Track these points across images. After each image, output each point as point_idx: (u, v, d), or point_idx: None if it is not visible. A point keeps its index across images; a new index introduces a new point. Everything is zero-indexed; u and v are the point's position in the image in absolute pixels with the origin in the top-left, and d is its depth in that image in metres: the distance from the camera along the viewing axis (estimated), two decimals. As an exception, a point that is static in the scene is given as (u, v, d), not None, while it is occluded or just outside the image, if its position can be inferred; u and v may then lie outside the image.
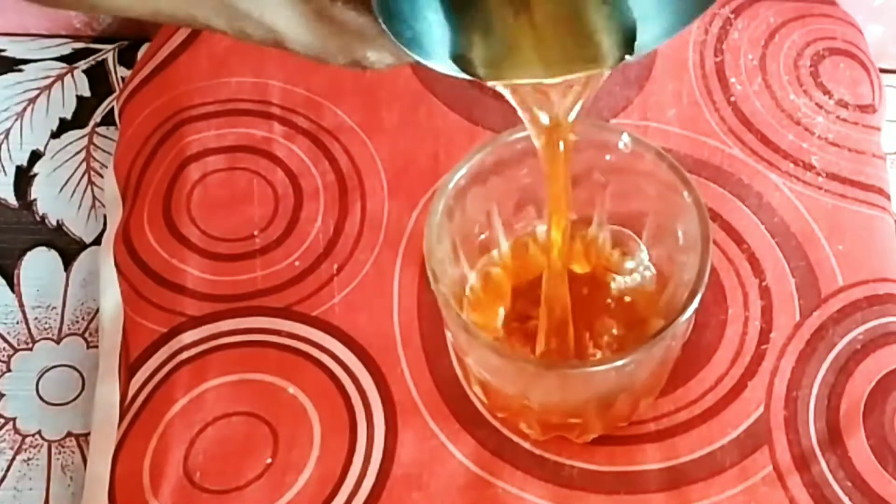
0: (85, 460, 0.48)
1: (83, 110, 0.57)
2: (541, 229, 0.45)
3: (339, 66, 0.33)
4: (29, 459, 0.48)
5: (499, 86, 0.35)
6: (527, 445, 0.44)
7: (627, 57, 0.34)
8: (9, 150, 0.56)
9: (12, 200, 0.55)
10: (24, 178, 0.55)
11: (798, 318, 0.46)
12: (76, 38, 0.60)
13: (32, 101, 0.57)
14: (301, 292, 0.47)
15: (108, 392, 0.47)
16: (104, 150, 0.56)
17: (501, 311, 0.45)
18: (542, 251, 0.45)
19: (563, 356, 0.42)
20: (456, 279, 0.43)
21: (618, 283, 0.45)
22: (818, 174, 0.50)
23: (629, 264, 0.45)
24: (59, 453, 0.48)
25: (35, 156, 0.56)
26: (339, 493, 0.43)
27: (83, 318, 0.51)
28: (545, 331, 0.42)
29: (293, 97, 0.52)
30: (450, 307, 0.38)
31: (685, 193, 0.40)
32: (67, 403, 0.49)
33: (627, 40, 0.34)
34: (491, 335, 0.42)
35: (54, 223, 0.54)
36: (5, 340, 0.51)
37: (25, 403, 0.49)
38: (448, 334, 0.44)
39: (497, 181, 0.42)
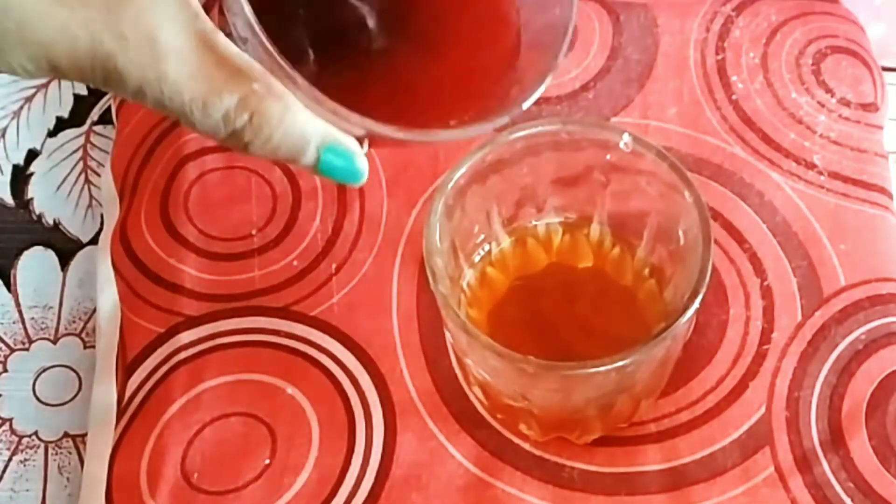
0: (82, 461, 0.47)
1: (80, 109, 0.57)
2: (541, 226, 0.45)
3: (204, 129, 0.31)
4: (25, 460, 0.48)
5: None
6: (527, 446, 0.43)
7: None
8: (5, 148, 0.56)
9: (9, 199, 0.54)
10: (20, 176, 0.55)
11: (800, 318, 0.46)
12: (73, 35, 0.59)
13: (29, 99, 0.57)
14: (299, 292, 0.47)
15: (104, 393, 0.46)
16: (101, 149, 0.56)
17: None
18: (541, 248, 0.45)
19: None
20: (455, 278, 0.43)
21: (619, 280, 0.44)
22: (820, 173, 0.49)
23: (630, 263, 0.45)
24: (56, 454, 0.48)
25: (32, 154, 0.56)
26: (337, 494, 0.43)
27: (80, 318, 0.51)
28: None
29: (291, 95, 0.52)
30: (449, 308, 0.38)
31: (686, 193, 0.40)
32: (64, 404, 0.49)
33: None
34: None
35: (51, 222, 0.54)
36: (2, 340, 0.51)
37: (22, 404, 0.49)
38: (447, 335, 0.44)
39: (496, 180, 0.42)
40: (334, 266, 0.47)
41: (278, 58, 0.30)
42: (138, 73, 0.29)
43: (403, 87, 0.36)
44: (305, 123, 0.31)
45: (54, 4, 0.29)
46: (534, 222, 0.45)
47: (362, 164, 0.33)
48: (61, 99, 0.57)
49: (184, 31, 0.30)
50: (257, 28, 0.30)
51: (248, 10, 0.30)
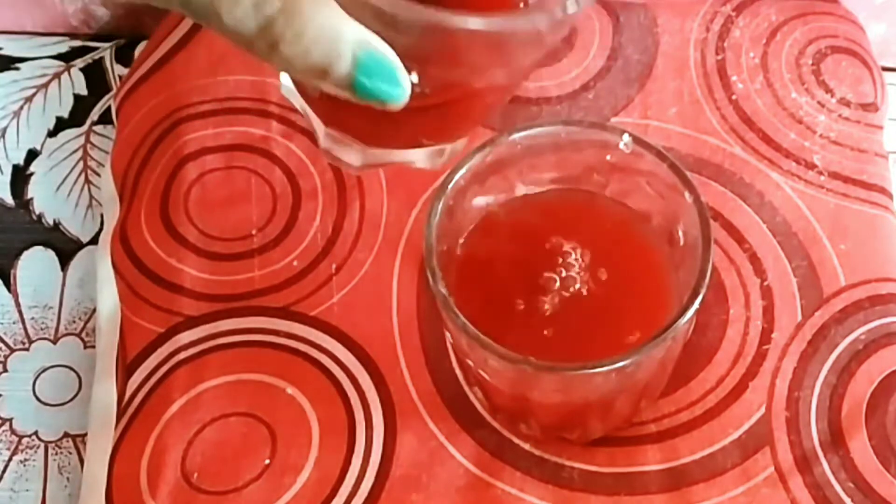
0: (82, 461, 0.47)
1: (80, 109, 0.57)
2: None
3: (232, 23, 0.28)
4: (25, 460, 0.48)
5: None
6: (527, 446, 0.43)
7: None
8: (5, 148, 0.56)
9: (9, 200, 0.54)
10: (20, 177, 0.55)
11: (800, 318, 0.46)
12: (73, 35, 0.59)
13: (29, 99, 0.57)
14: (299, 292, 0.47)
15: (104, 393, 0.46)
16: (101, 149, 0.56)
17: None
18: None
19: None
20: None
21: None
22: (820, 173, 0.49)
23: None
24: (56, 454, 0.48)
25: (32, 154, 0.56)
26: (337, 495, 0.43)
27: (80, 318, 0.51)
28: None
29: (291, 95, 0.52)
30: (449, 308, 0.38)
31: (686, 193, 0.40)
32: (64, 404, 0.49)
33: None
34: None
35: (51, 222, 0.54)
36: (2, 340, 0.51)
37: (22, 404, 0.49)
38: (447, 335, 0.44)
39: (496, 180, 0.42)
40: (334, 266, 0.47)
41: None
42: None
43: None
44: (341, 21, 0.28)
45: None
46: None
47: (403, 76, 0.29)
48: (61, 99, 0.57)
49: None
50: None
51: None
